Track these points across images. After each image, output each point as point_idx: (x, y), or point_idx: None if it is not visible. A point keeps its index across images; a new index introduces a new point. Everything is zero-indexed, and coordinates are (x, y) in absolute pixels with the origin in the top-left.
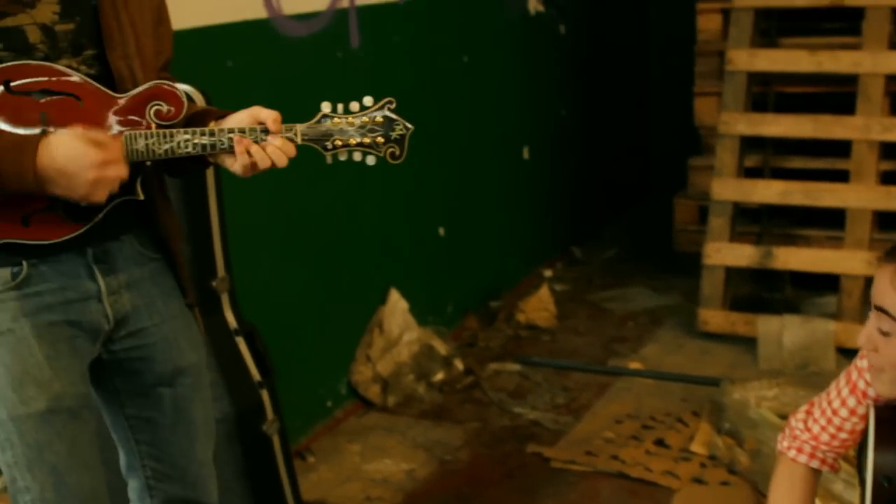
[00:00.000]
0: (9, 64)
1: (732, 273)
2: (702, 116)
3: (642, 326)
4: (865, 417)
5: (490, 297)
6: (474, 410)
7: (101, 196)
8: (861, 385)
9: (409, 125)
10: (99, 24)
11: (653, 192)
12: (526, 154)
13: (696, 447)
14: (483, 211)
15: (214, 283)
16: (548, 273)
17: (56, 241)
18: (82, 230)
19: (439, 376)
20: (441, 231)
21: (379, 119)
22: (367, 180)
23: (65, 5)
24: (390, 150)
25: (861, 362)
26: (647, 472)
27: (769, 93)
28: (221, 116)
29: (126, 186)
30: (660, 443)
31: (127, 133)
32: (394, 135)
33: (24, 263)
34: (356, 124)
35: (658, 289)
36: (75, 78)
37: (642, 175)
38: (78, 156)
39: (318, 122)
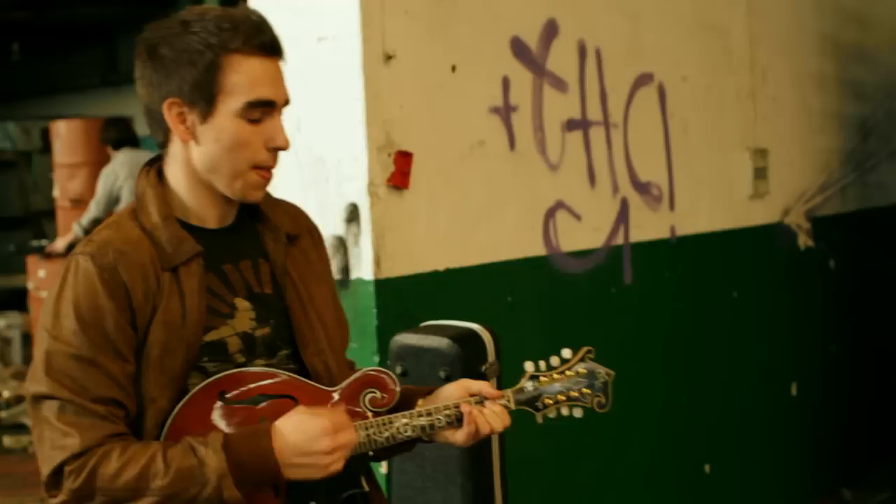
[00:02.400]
0: (221, 375)
1: None
2: None
3: None
4: None
5: None
6: None
7: (339, 465)
8: None
9: (611, 371)
10: (290, 325)
11: None
12: (794, 390)
13: None
14: (749, 448)
15: None
16: None
17: None
18: None
19: None
20: (707, 468)
21: (581, 370)
22: (633, 414)
23: (259, 311)
24: (597, 399)
25: None
26: None
27: None
28: (428, 393)
29: (352, 480)
30: None
31: None
32: (597, 383)
33: None
34: (561, 379)
35: None
36: (285, 377)
37: None
38: (307, 429)
39: (527, 383)
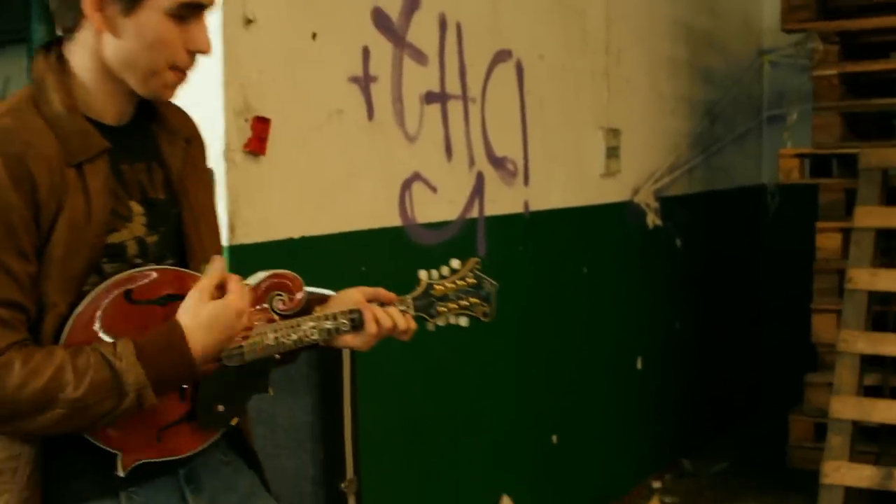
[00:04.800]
0: (127, 274)
1: (851, 493)
2: (820, 333)
3: None
4: None
5: None
6: None
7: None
8: None
9: (495, 282)
10: (178, 236)
11: (765, 407)
12: (639, 364)
13: None
14: (595, 419)
15: (343, 486)
16: (657, 484)
17: (188, 454)
18: (216, 437)
19: None
20: (554, 439)
21: (471, 280)
22: (485, 386)
23: (150, 217)
24: (483, 309)
25: None
26: None
27: (889, 312)
28: (322, 300)
29: (261, 383)
30: None
31: (256, 329)
32: (483, 293)
33: (121, 495)
34: (454, 288)
35: None
36: (189, 276)
37: (754, 389)
38: (214, 315)
39: (424, 291)
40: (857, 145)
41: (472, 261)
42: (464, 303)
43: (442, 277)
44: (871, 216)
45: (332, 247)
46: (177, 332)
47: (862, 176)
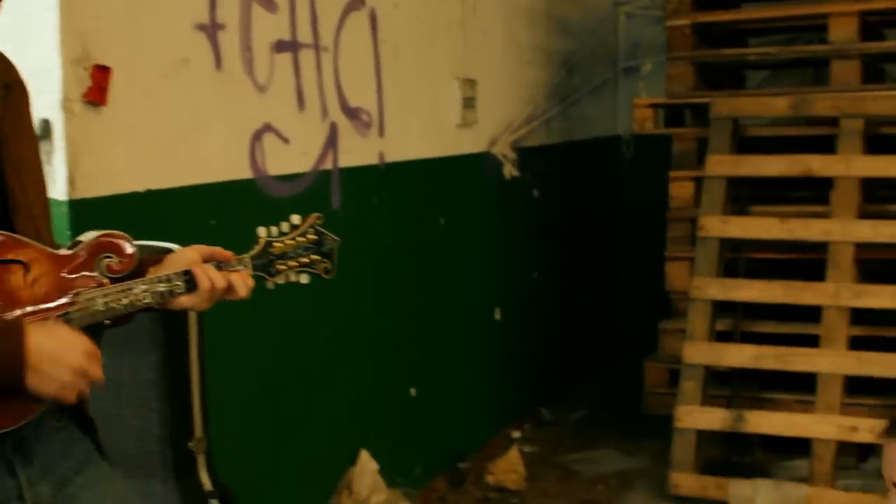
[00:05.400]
0: None
1: (703, 436)
2: (673, 281)
3: (613, 489)
4: None
5: (458, 458)
6: None
7: (72, 394)
8: None
9: (336, 238)
10: (2, 187)
11: (622, 355)
12: (498, 315)
13: None
14: (454, 371)
15: (191, 445)
16: (516, 434)
17: (18, 425)
18: (46, 405)
19: None
20: (413, 391)
21: (312, 236)
22: (340, 340)
23: None
24: (324, 266)
25: None
26: None
27: (740, 258)
28: (158, 262)
29: None
30: None
31: (84, 294)
32: (325, 249)
33: None
34: (294, 245)
35: (628, 451)
36: (7, 239)
37: (611, 337)
38: (65, 338)
39: (262, 249)
40: (709, 95)
41: (313, 216)
42: (304, 260)
43: (282, 234)
44: (722, 164)
45: (180, 200)
46: (16, 325)
47: (713, 125)
